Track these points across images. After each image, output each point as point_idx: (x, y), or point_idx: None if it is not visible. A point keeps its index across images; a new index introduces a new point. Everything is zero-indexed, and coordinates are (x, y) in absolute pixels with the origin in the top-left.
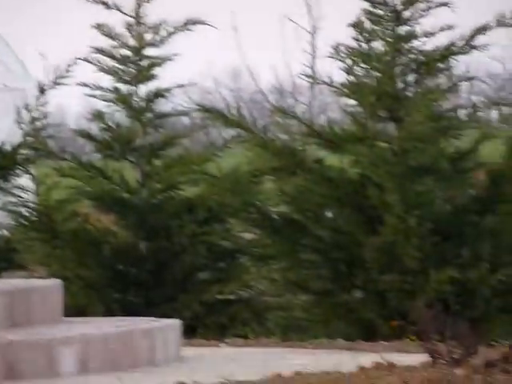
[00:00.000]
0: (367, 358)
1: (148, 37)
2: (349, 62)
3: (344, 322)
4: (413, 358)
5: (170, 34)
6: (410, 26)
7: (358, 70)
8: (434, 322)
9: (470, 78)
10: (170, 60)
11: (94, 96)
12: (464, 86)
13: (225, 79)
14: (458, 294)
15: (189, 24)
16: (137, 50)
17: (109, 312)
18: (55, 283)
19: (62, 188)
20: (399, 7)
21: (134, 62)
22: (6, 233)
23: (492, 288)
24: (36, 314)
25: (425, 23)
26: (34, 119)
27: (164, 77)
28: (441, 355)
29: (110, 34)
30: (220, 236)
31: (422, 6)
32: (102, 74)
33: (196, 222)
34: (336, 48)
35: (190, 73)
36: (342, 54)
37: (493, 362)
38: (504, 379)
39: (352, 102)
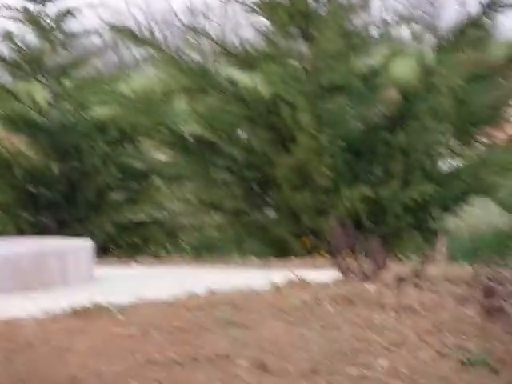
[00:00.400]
0: (280, 275)
1: None
2: None
3: (257, 240)
4: (325, 274)
5: None
6: None
7: None
8: (346, 239)
9: None
10: None
11: (2, 16)
12: (375, 3)
13: None
14: (369, 211)
15: None
16: None
17: (21, 234)
18: None
19: None
20: None
21: None
22: None
23: (403, 205)
24: None
25: None
26: None
27: None
28: (352, 271)
29: None
30: (132, 156)
31: None
32: None
33: (108, 142)
34: None
35: None
36: None
37: (403, 277)
38: (414, 293)
39: (264, 20)
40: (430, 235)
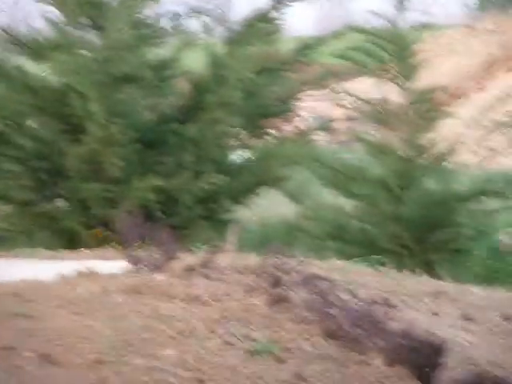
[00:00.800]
0: (69, 266)
1: None
2: None
3: (47, 231)
4: (115, 265)
5: None
6: None
7: None
8: (136, 229)
9: None
10: None
11: None
12: None
13: None
14: (161, 201)
15: None
16: None
17: None
18: None
19: None
20: None
21: None
22: None
23: (194, 196)
24: None
25: None
26: None
27: None
28: (142, 261)
29: None
30: None
31: None
32: None
33: None
34: None
35: None
36: None
37: (192, 267)
38: (203, 283)
39: (55, 10)
40: (220, 226)
